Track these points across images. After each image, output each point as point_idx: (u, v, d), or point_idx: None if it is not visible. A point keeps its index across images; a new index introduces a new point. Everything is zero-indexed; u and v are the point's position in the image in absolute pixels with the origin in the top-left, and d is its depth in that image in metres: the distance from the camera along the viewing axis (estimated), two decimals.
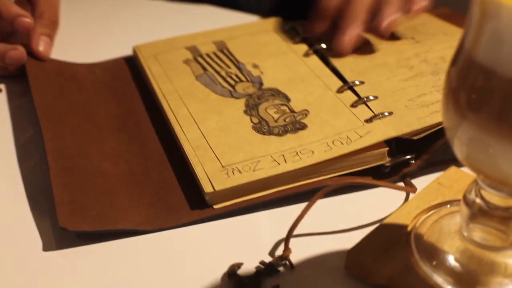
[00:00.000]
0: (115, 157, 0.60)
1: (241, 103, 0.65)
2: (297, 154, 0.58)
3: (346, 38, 0.70)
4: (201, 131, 0.61)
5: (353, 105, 0.63)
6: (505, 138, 0.41)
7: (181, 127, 0.62)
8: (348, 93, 0.65)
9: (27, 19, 0.69)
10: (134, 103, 0.68)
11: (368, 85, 0.65)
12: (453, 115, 0.43)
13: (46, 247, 0.52)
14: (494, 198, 0.47)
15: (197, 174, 0.56)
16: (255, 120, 0.62)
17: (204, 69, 0.70)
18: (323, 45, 0.72)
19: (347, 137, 0.59)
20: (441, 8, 0.84)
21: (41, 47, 0.71)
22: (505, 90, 0.40)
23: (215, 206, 0.55)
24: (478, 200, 0.47)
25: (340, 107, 0.63)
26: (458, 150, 0.45)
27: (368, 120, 0.60)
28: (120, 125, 0.65)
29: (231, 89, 0.67)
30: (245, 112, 0.64)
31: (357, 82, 0.65)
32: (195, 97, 0.66)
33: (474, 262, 0.49)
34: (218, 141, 0.60)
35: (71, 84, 0.70)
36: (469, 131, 0.42)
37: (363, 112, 0.62)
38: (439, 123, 0.58)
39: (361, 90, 0.65)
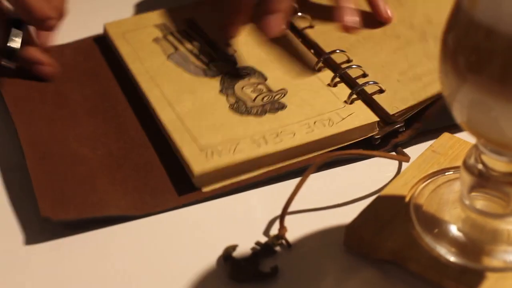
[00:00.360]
0: (94, 141, 0.57)
1: (215, 83, 0.62)
2: (278, 135, 0.55)
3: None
4: (176, 113, 0.58)
5: (332, 84, 0.60)
6: (508, 99, 0.40)
7: (155, 109, 0.59)
8: (326, 72, 0.62)
9: (54, 22, 0.64)
10: (108, 83, 0.65)
11: (356, 62, 0.63)
12: (452, 79, 0.42)
13: (30, 240, 0.49)
14: (496, 163, 0.45)
15: (184, 157, 0.54)
16: (232, 100, 0.60)
17: (175, 48, 0.67)
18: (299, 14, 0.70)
19: (329, 118, 0.57)
20: None
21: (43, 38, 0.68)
22: (507, 49, 0.39)
23: (204, 189, 0.53)
24: (479, 166, 0.46)
25: (318, 86, 0.61)
26: (458, 114, 0.43)
27: (348, 101, 0.58)
28: (96, 108, 0.61)
29: (204, 67, 0.64)
30: (221, 91, 0.61)
31: (337, 51, 0.63)
32: (167, 77, 0.63)
33: (477, 231, 0.48)
34: (194, 122, 0.57)
35: None
36: (470, 94, 0.41)
37: (342, 92, 0.59)
38: (432, 96, 0.57)
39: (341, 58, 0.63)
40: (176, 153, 0.55)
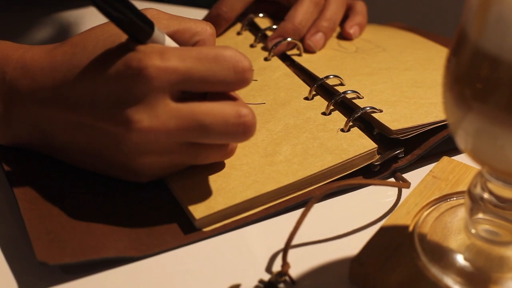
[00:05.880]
0: (83, 180, 0.54)
1: None
2: (273, 174, 0.53)
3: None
4: None
5: (328, 112, 0.58)
6: None
7: None
8: (320, 99, 0.60)
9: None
10: None
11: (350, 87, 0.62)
12: (457, 107, 0.41)
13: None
14: (503, 191, 0.44)
15: (182, 201, 0.51)
16: None
17: None
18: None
19: (328, 149, 0.54)
20: (396, 22, 0.82)
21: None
22: None
23: (204, 229, 0.51)
24: (485, 195, 0.45)
25: (315, 116, 0.58)
26: (463, 142, 0.42)
27: (345, 128, 0.56)
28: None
29: None
30: None
31: (331, 76, 0.62)
32: None
33: (483, 259, 0.47)
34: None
35: None
36: (475, 122, 0.40)
37: (338, 119, 0.58)
38: (433, 122, 0.56)
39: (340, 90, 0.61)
40: (173, 193, 0.53)
